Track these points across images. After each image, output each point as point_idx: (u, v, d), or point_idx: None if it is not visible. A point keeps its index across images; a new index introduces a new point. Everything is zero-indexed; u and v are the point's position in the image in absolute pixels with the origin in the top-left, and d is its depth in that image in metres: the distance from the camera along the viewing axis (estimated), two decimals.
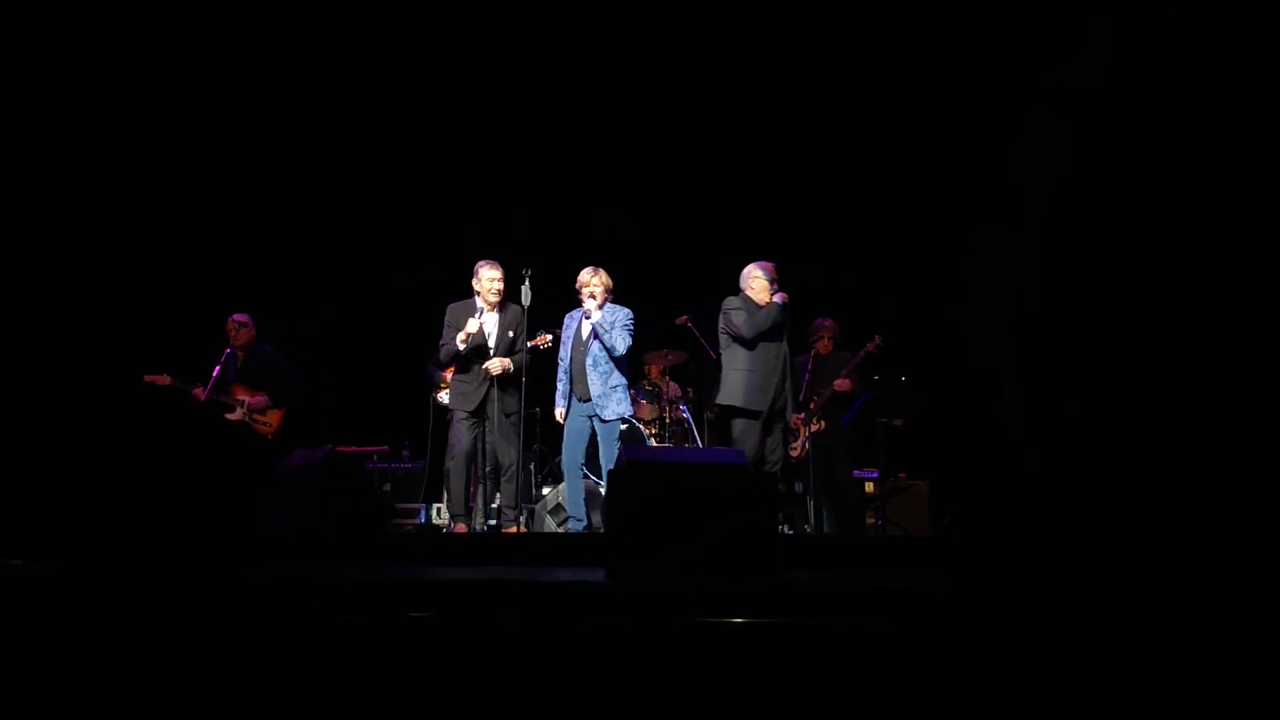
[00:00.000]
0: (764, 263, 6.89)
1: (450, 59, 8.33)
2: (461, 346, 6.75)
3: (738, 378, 6.72)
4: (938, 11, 7.46)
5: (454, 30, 8.25)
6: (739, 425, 6.73)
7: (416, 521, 8.15)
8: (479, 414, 6.77)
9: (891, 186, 8.33)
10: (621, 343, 6.72)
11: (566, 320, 6.94)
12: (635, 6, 8.16)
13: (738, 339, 6.73)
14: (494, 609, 3.42)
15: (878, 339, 7.51)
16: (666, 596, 3.36)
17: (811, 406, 7.54)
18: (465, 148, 8.94)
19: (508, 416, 6.75)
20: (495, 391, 6.71)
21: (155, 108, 8.09)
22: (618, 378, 6.76)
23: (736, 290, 6.92)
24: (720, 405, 6.85)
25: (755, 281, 6.85)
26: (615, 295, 6.86)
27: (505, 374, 6.74)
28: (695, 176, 9.02)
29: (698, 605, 3.32)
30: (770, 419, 6.72)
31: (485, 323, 6.82)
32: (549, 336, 6.90)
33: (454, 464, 6.80)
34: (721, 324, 6.84)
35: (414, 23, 8.18)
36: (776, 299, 6.73)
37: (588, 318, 6.75)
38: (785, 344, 6.79)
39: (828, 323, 7.76)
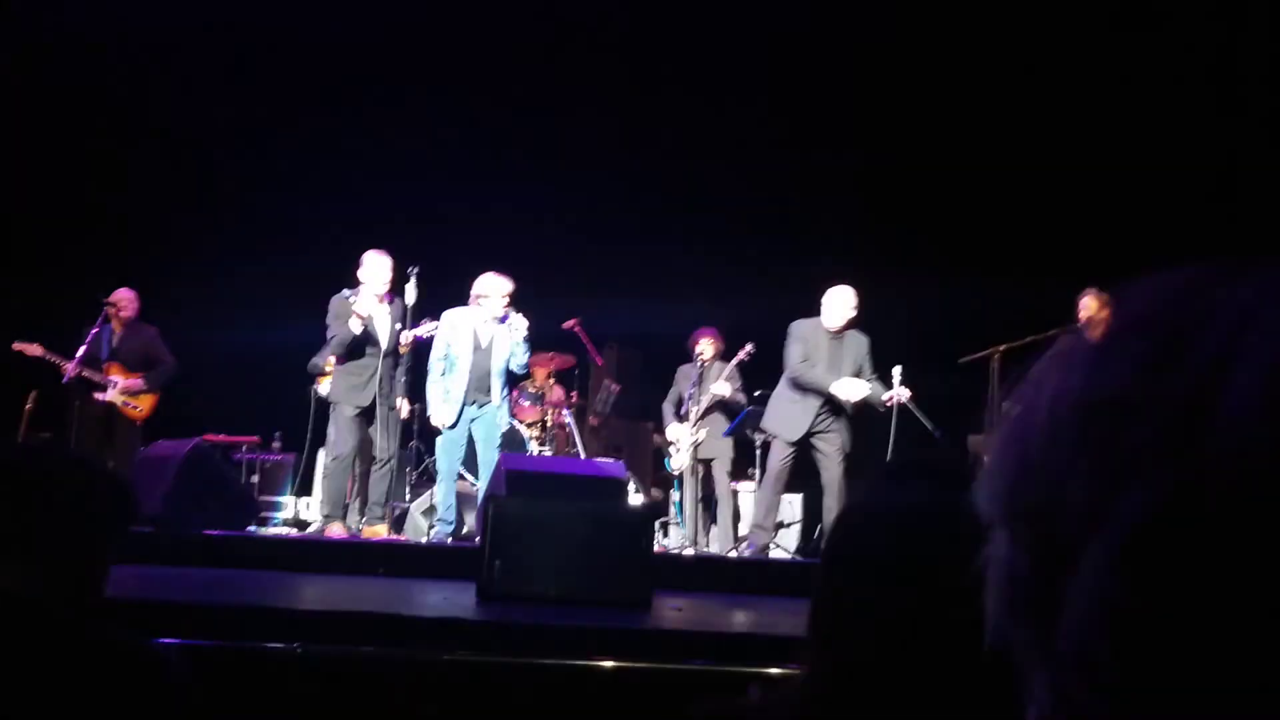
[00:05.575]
0: (845, 287, 6.47)
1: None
2: (356, 329, 6.44)
3: (775, 404, 6.62)
4: None
5: None
6: (774, 447, 6.67)
7: (285, 515, 7.92)
8: (369, 409, 6.59)
9: None
10: (525, 355, 6.73)
11: (451, 320, 6.67)
12: None
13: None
14: (359, 640, 3.33)
15: (749, 346, 7.45)
16: (538, 634, 3.33)
17: (692, 416, 7.55)
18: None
19: (391, 410, 6.65)
20: (384, 385, 6.58)
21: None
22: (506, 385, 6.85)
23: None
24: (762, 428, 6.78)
25: (832, 306, 6.48)
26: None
27: (395, 360, 6.64)
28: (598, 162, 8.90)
29: (568, 646, 3.29)
30: (809, 440, 6.46)
31: (375, 314, 6.60)
32: (434, 324, 6.68)
33: (338, 463, 6.61)
34: None
35: None
36: (838, 391, 6.26)
37: (508, 325, 6.61)
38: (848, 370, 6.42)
39: (709, 332, 7.72)
